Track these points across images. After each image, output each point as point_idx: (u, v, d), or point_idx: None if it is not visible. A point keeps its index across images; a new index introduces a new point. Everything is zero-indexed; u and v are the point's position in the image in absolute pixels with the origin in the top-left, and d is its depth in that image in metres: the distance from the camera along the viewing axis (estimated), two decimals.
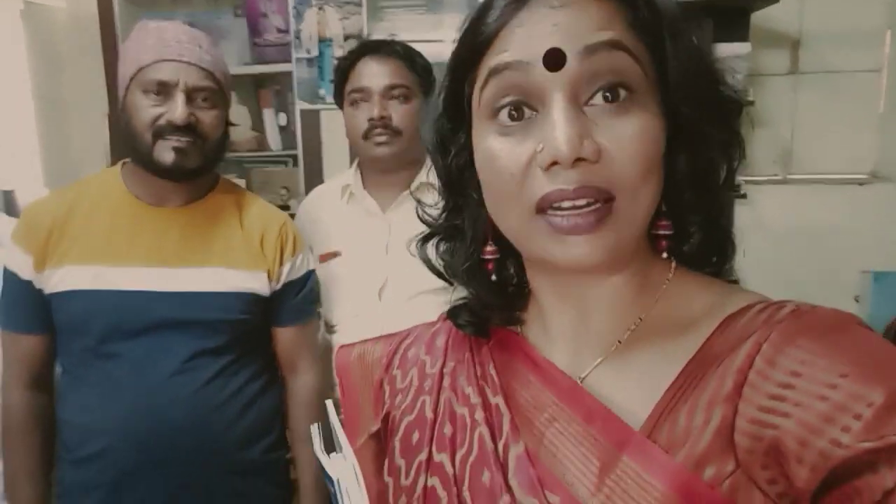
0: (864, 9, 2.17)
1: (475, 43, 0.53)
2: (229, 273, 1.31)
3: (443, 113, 0.60)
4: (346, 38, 2.37)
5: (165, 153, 1.23)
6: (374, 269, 1.51)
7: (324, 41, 2.39)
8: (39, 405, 1.33)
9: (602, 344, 0.57)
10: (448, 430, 0.61)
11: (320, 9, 2.37)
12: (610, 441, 0.51)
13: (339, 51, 2.37)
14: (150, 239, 1.29)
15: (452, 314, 0.66)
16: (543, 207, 0.50)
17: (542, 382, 0.58)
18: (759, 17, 2.16)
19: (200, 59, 1.23)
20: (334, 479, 0.56)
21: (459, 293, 1.53)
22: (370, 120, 1.48)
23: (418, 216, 0.67)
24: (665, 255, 0.56)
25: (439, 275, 0.66)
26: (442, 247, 0.65)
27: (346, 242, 1.56)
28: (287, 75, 2.43)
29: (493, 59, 0.52)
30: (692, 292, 0.56)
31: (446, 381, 0.65)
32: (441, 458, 0.60)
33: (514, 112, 0.51)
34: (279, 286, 1.39)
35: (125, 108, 1.26)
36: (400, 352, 0.71)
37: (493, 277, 0.62)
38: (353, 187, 1.58)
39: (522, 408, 0.58)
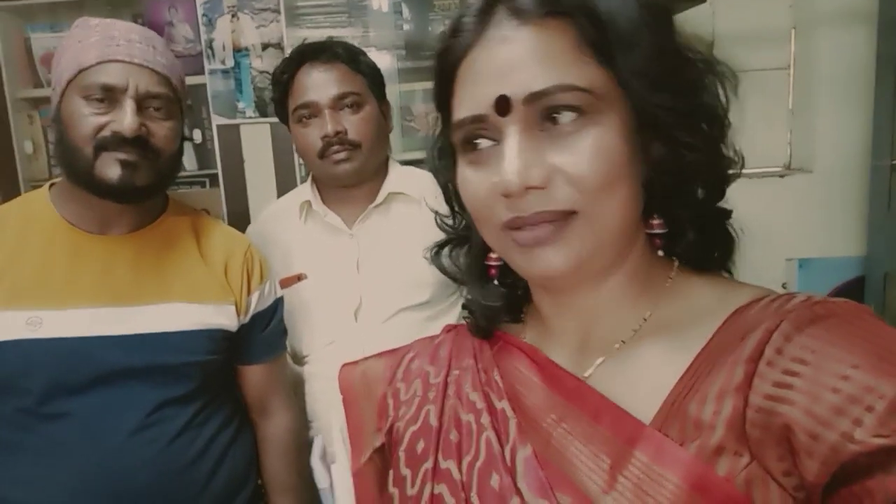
0: (769, 10, 2.29)
1: (442, 80, 0.57)
2: (193, 308, 1.13)
3: (440, 135, 0.63)
4: (265, 47, 2.21)
5: (110, 168, 1.04)
6: (347, 290, 1.38)
7: (239, 51, 2.21)
8: None
9: (605, 345, 0.58)
10: (454, 436, 0.61)
11: (234, 16, 2.19)
12: (620, 437, 0.51)
13: (256, 60, 2.21)
14: (95, 273, 1.09)
15: (467, 306, 0.68)
16: (508, 228, 0.53)
17: (547, 384, 0.59)
18: (677, 20, 2.21)
19: (155, 61, 1.05)
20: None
21: (438, 307, 1.43)
22: (324, 137, 1.33)
23: (437, 225, 0.69)
24: (661, 252, 0.57)
25: (455, 279, 0.69)
26: (455, 253, 0.68)
27: (310, 264, 1.41)
28: (199, 88, 2.22)
29: (457, 111, 0.55)
30: (697, 289, 0.57)
31: (451, 390, 0.65)
32: (448, 464, 0.60)
33: (479, 141, 0.54)
34: (247, 319, 1.22)
35: (59, 117, 1.05)
36: (403, 364, 0.71)
37: (496, 282, 0.64)
38: (314, 203, 1.43)
39: (529, 410, 0.58)
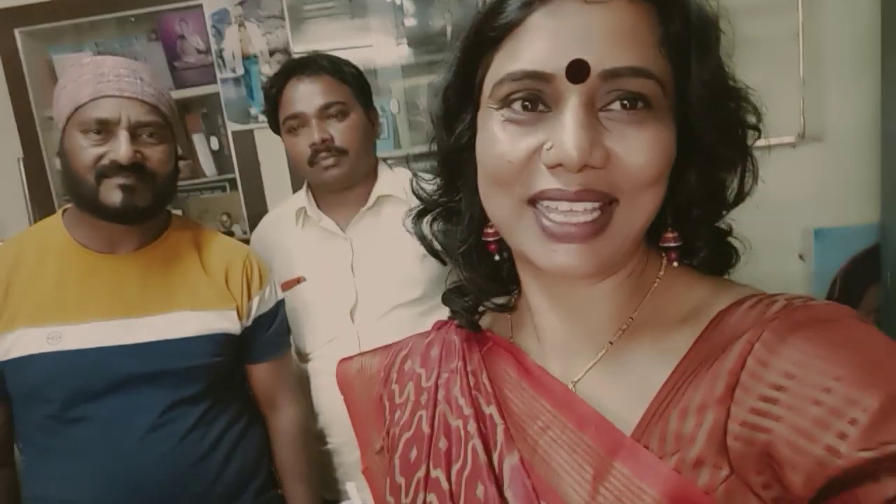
0: None
1: (496, 25, 0.51)
2: (197, 315, 1.23)
3: (452, 87, 0.57)
4: (272, 53, 2.29)
5: (112, 194, 1.14)
6: (343, 291, 1.46)
7: (248, 58, 2.30)
8: (4, 479, 1.22)
9: (594, 346, 0.56)
10: (443, 444, 0.60)
11: (241, 26, 2.28)
12: (602, 448, 0.50)
13: (265, 67, 2.29)
14: (106, 290, 1.20)
15: (446, 299, 0.66)
16: (536, 200, 0.49)
17: (534, 390, 0.57)
18: None
19: (143, 92, 1.14)
20: None
21: (430, 303, 1.48)
22: (312, 145, 1.41)
23: (412, 190, 0.65)
24: (676, 264, 0.56)
25: (434, 253, 0.65)
26: (437, 225, 0.64)
27: (308, 267, 1.50)
28: (213, 97, 2.32)
29: (512, 62, 0.49)
30: (683, 289, 0.56)
31: (441, 394, 0.63)
32: (437, 473, 0.59)
33: (527, 103, 0.50)
34: (249, 322, 1.32)
35: (63, 151, 1.16)
36: (396, 364, 0.70)
37: (497, 258, 0.60)
38: (309, 209, 1.51)
39: (516, 416, 0.57)
